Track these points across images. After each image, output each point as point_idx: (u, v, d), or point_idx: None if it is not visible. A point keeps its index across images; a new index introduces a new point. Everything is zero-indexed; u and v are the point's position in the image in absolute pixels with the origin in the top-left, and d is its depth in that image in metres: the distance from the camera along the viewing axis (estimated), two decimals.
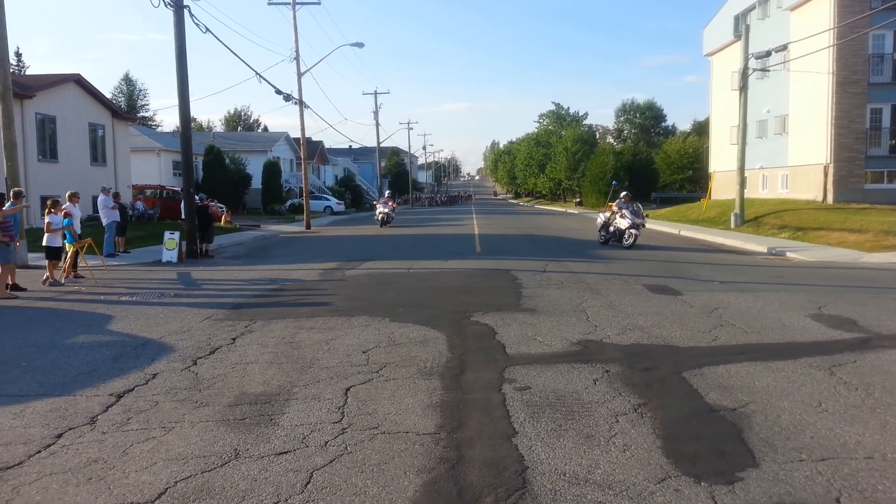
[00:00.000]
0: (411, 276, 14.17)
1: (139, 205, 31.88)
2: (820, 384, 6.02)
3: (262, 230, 30.86)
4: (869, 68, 28.31)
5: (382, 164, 77.74)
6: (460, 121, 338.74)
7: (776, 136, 33.59)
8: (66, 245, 13.68)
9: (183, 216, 20.34)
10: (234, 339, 8.01)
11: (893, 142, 28.70)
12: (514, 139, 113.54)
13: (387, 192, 36.90)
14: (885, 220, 21.15)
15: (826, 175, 29.06)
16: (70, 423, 5.17)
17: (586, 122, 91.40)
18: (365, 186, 77.02)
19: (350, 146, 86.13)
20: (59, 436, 4.91)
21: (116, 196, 19.25)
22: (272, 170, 47.92)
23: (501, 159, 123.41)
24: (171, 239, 17.77)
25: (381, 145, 66.58)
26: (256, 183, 47.81)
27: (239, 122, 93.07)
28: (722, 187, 37.40)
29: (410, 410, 5.37)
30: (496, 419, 5.17)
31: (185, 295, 11.98)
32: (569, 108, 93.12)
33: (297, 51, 32.90)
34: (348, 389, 5.95)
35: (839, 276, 14.21)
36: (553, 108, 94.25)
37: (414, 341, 7.83)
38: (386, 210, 32.28)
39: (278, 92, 31.09)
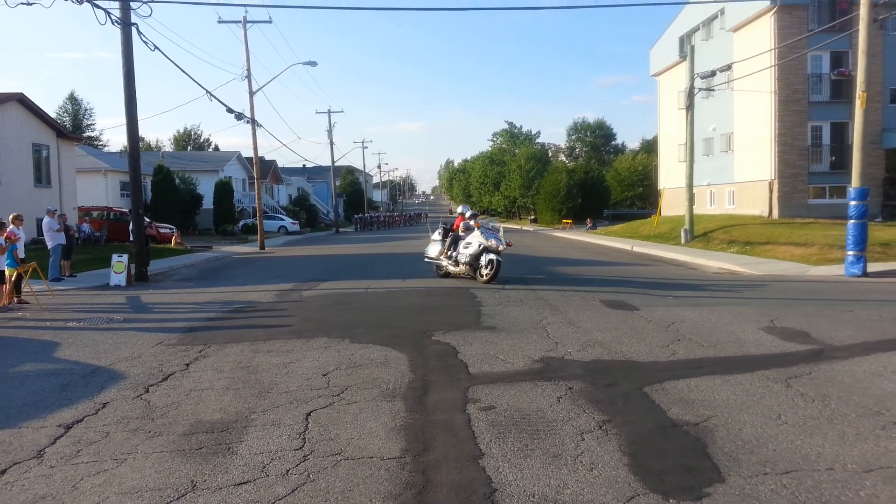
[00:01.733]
0: (370, 295, 14.02)
1: (85, 227, 30.86)
2: (778, 396, 6.12)
3: (215, 251, 30.22)
4: (809, 87, 29.48)
5: (337, 184, 77.24)
6: (415, 140, 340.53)
7: (722, 154, 34.61)
8: (7, 269, 13.11)
9: (131, 238, 19.74)
10: (187, 365, 7.74)
11: (834, 158, 29.86)
12: (469, 157, 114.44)
13: (467, 211, 17.21)
14: (829, 234, 21.91)
15: (771, 191, 30.03)
16: (15, 458, 4.88)
17: (539, 140, 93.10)
18: (320, 205, 76.38)
19: (304, 165, 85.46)
20: (3, 471, 4.63)
21: (62, 218, 18.60)
22: (224, 189, 47.11)
23: (456, 177, 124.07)
24: (119, 262, 17.22)
25: (336, 164, 66.18)
26: (208, 203, 46.90)
27: (189, 141, 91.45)
28: (671, 204, 38.29)
29: (374, 434, 5.25)
30: (462, 440, 5.09)
31: (134, 319, 11.59)
32: (521, 126, 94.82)
33: (248, 69, 32.61)
34: (309, 414, 5.79)
35: (788, 288, 14.61)
36: (507, 126, 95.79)
37: (375, 362, 7.70)
38: (492, 243, 15.23)
39: (230, 110, 30.66)
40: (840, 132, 29.51)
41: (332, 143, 61.37)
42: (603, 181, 63.19)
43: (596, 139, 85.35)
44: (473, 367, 7.43)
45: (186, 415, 5.86)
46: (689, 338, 8.86)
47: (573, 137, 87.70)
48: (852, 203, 16.82)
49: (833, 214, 26.72)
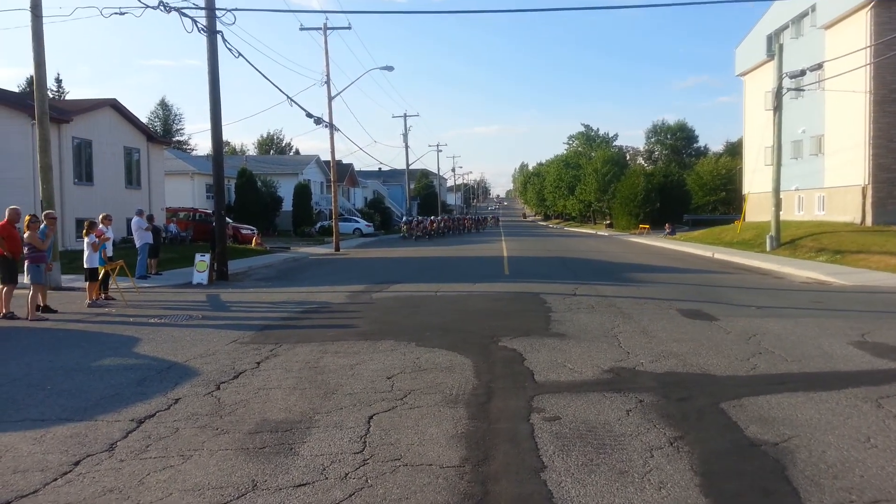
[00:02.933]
0: (439, 298, 14.01)
1: (172, 227, 32.33)
2: (867, 417, 5.68)
3: (292, 252, 31.04)
4: None
5: (412, 187, 78.12)
6: (490, 144, 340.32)
7: (812, 157, 32.90)
8: (97, 267, 13.83)
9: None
10: (258, 363, 7.91)
11: None
12: (544, 161, 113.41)
13: None
14: None
15: (864, 196, 28.30)
16: (89, 450, 5.08)
17: (616, 143, 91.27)
18: (394, 208, 77.41)
19: (380, 168, 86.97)
20: (77, 463, 4.82)
21: (150, 218, 19.51)
22: (303, 192, 48.42)
23: (530, 181, 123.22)
24: (202, 261, 17.89)
25: (411, 167, 66.98)
26: (287, 205, 48.31)
27: (271, 145, 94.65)
28: (756, 209, 36.68)
29: (434, 441, 5.18)
30: (524, 452, 4.95)
31: (212, 317, 11.98)
32: (598, 129, 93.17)
33: (328, 75, 33.35)
34: (371, 417, 5.78)
35: (882, 301, 13.68)
36: (582, 129, 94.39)
37: (440, 367, 7.64)
38: None
39: (309, 115, 31.46)
40: None
41: (406, 147, 62.18)
42: (683, 185, 61.27)
43: (676, 141, 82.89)
44: (539, 374, 7.26)
45: (253, 413, 5.97)
46: (772, 351, 8.38)
47: (652, 140, 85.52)
48: None
49: None
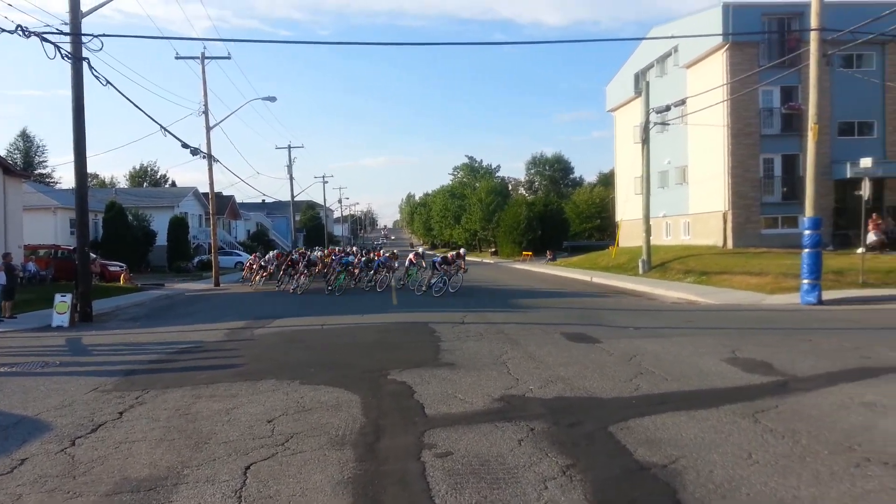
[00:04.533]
0: (325, 332, 13.51)
1: (31, 266, 29.61)
2: (747, 433, 5.87)
3: (167, 289, 29.21)
4: (760, 121, 30.20)
5: (297, 218, 76.41)
6: (378, 175, 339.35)
7: (677, 186, 35.15)
8: None
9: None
10: (120, 414, 7.16)
11: (785, 189, 30.49)
12: (430, 191, 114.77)
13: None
14: (783, 263, 22.19)
15: (725, 221, 30.48)
16: None
17: (499, 174, 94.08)
18: (279, 240, 75.30)
19: (263, 200, 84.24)
20: None
21: (6, 257, 17.70)
22: (178, 225, 45.96)
23: (417, 211, 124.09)
24: (62, 302, 16.38)
25: (296, 199, 65.50)
26: (162, 240, 45.66)
27: (145, 177, 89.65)
28: (629, 235, 38.64)
29: (318, 489, 4.80)
30: (415, 494, 4.67)
31: (71, 363, 10.87)
32: (482, 160, 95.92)
33: (205, 104, 31.96)
34: (248, 467, 5.30)
35: (745, 318, 14.59)
36: (467, 160, 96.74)
37: (325, 406, 7.23)
38: None
39: (185, 145, 29.89)
40: (791, 164, 30.22)
41: (291, 178, 60.73)
42: (562, 214, 63.75)
43: (554, 172, 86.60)
44: (430, 407, 7.02)
45: (112, 471, 5.32)
46: (652, 371, 8.61)
47: (532, 171, 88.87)
48: (806, 232, 17.03)
49: (785, 244, 27.17)
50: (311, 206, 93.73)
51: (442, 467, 5.18)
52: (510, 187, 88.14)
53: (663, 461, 5.19)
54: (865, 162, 19.64)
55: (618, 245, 37.22)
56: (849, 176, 27.20)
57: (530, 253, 53.66)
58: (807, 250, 16.86)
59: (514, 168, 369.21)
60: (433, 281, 22.62)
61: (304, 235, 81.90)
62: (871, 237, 24.22)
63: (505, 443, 5.76)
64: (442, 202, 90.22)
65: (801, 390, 7.37)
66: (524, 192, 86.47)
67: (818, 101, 16.99)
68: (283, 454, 5.62)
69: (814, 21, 17.13)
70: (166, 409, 7.30)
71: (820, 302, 16.52)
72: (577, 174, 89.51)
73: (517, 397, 7.42)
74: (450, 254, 23.72)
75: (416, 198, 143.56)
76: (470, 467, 5.16)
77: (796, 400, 6.95)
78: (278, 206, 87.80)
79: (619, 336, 11.82)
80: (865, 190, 18.85)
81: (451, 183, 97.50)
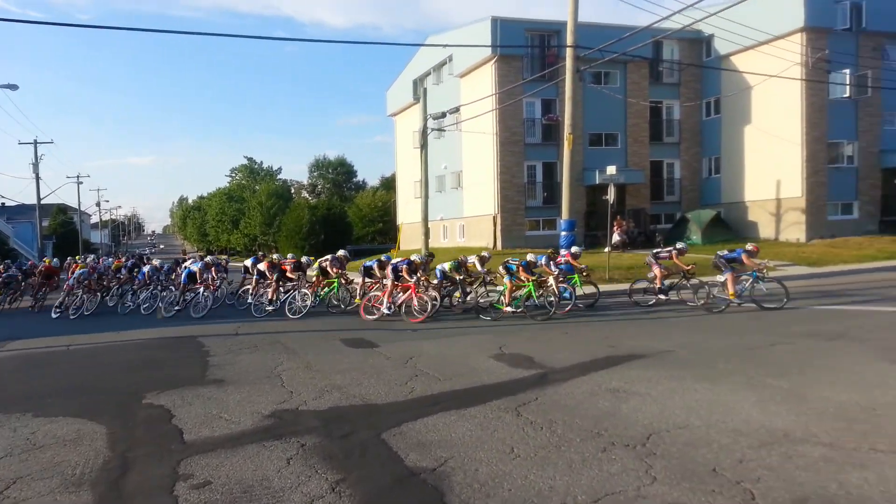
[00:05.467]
0: (72, 353, 11.91)
1: None
2: (510, 427, 6.12)
3: None
4: (524, 130, 32.69)
5: (45, 224, 67.52)
6: (146, 175, 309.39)
7: (453, 190, 36.82)
8: None
9: None
10: None
11: (546, 194, 33.33)
12: (205, 194, 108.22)
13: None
14: None
15: (495, 224, 32.54)
16: None
17: (281, 176, 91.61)
18: (22, 250, 65.90)
19: (3, 204, 73.35)
20: None
21: None
22: None
23: (190, 215, 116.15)
24: None
25: (44, 202, 57.84)
26: None
27: None
28: (409, 238, 39.67)
29: None
30: None
31: None
32: (262, 162, 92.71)
33: None
34: None
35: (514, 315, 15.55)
36: (246, 162, 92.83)
37: (62, 441, 6.27)
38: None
39: None
40: (551, 171, 33.09)
41: (38, 178, 53.44)
42: (345, 217, 63.77)
43: (338, 176, 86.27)
44: (190, 432, 6.40)
45: None
46: (427, 372, 8.74)
47: (315, 174, 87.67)
48: (563, 233, 18.69)
49: (546, 244, 29.61)
50: (62, 209, 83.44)
51: (198, 500, 4.69)
52: (293, 190, 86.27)
53: (433, 464, 5.20)
54: (611, 170, 22.05)
55: (399, 248, 37.98)
56: (598, 182, 30.39)
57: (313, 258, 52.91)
58: (563, 250, 18.46)
59: (296, 171, 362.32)
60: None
61: (54, 243, 72.61)
62: (616, 238, 27.39)
63: (272, 464, 5.39)
64: (218, 205, 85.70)
65: (559, 381, 7.93)
66: (307, 195, 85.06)
67: (573, 113, 18.75)
68: None
69: (569, 38, 18.88)
70: None
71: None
72: (360, 178, 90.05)
73: (290, 411, 7.06)
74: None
75: (190, 201, 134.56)
76: (230, 496, 4.73)
77: (554, 391, 7.45)
78: (22, 210, 76.77)
79: (398, 339, 11.92)
80: (611, 195, 21.15)
81: (228, 185, 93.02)
